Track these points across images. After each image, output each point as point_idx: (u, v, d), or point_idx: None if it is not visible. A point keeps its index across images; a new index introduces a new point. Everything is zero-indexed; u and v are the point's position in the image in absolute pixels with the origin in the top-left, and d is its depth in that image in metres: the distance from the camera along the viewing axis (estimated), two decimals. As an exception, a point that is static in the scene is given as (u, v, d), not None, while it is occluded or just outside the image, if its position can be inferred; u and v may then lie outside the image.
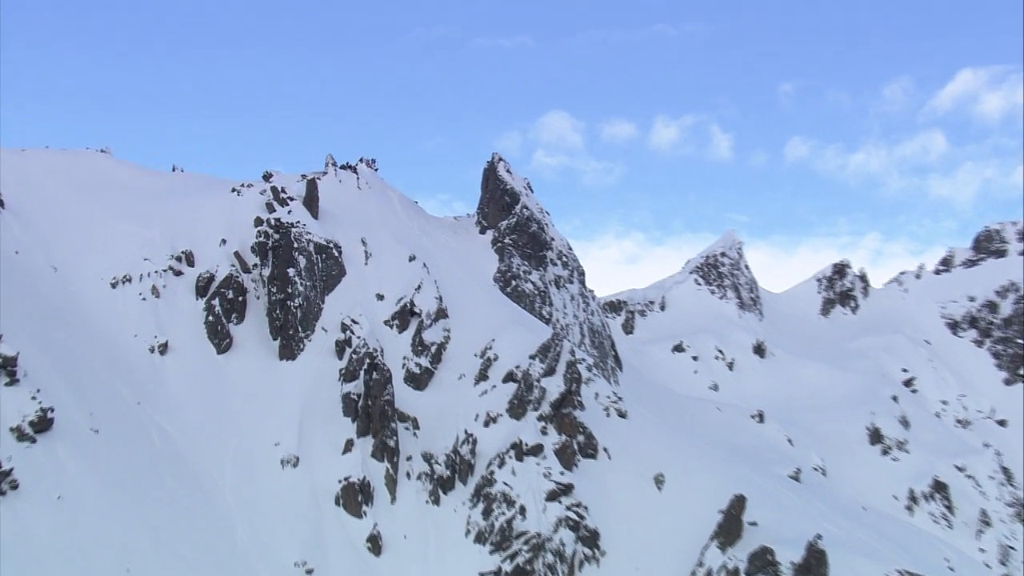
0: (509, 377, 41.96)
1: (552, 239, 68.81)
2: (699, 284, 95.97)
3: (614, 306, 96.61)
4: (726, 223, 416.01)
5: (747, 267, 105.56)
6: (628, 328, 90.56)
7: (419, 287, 47.35)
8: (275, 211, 48.14)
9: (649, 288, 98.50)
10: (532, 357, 41.79)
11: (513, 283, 59.56)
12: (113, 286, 41.18)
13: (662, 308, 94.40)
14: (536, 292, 60.07)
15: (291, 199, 49.81)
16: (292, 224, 46.33)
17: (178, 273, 44.36)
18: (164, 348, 39.04)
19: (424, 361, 44.89)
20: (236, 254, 45.32)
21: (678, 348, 78.88)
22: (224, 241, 46.14)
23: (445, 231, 63.09)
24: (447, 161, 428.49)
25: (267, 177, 55.36)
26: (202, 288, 43.16)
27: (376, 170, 70.93)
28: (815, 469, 55.95)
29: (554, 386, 39.67)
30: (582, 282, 70.64)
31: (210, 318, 43.07)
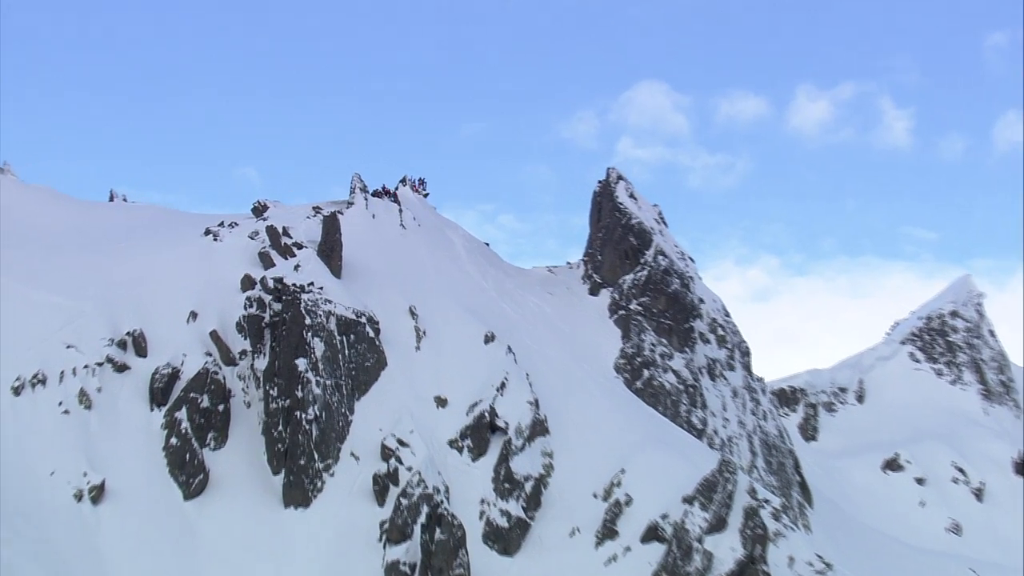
0: (651, 534, 40.21)
1: (701, 300, 68.48)
2: (917, 361, 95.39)
3: (785, 397, 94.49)
4: (902, 241, 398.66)
5: (992, 333, 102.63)
6: (809, 431, 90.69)
7: (503, 386, 46.44)
8: (274, 266, 47.93)
9: (838, 368, 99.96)
10: (688, 500, 40.02)
11: (646, 374, 59.86)
12: (16, 392, 39.39)
13: (859, 399, 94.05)
14: (682, 388, 60.66)
15: (299, 246, 50.21)
16: (302, 287, 45.65)
17: (121, 368, 42.33)
18: (99, 492, 36.99)
19: (515, 507, 42.66)
20: (214, 336, 44.69)
21: (892, 465, 78.29)
22: (194, 315, 45.34)
23: (536, 291, 64.55)
24: (490, 155, 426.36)
25: (260, 211, 57.01)
26: (160, 392, 41.79)
27: (426, 195, 73.20)
28: None
29: (726, 549, 37.68)
30: (747, 367, 70.12)
31: (173, 441, 40.42)
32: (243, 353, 44.77)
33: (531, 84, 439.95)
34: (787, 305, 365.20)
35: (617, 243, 69.88)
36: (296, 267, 47.87)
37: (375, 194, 66.00)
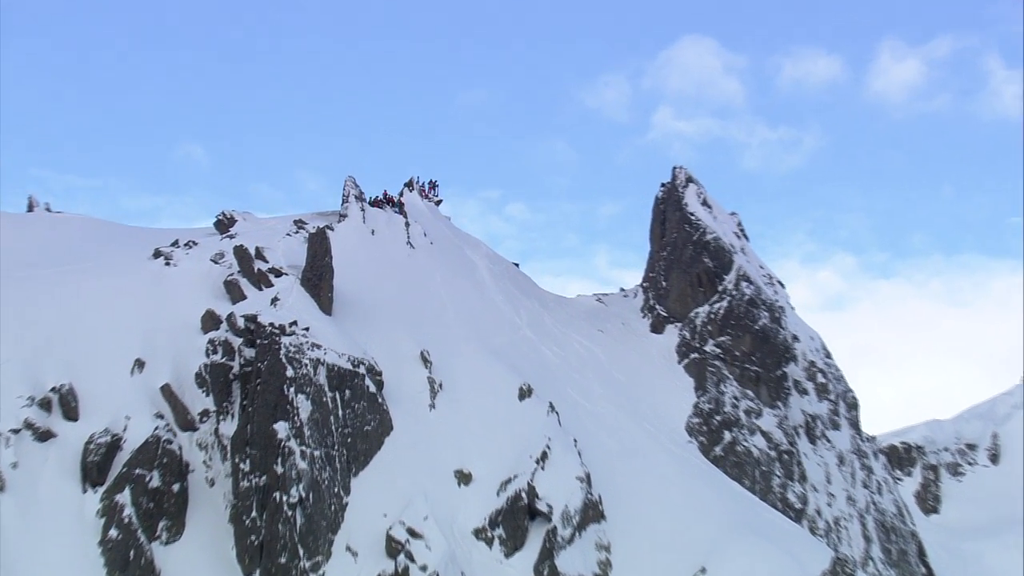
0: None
1: (795, 338, 68.76)
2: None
3: (897, 457, 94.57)
4: (1011, 235, 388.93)
5: None
6: (929, 501, 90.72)
7: (544, 456, 46.01)
8: (245, 298, 48.36)
9: (964, 419, 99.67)
10: (794, 612, 39.79)
11: (728, 437, 59.90)
12: (-92, 466, 38.44)
13: (993, 459, 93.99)
14: (774, 454, 60.70)
15: (277, 272, 50.94)
16: (282, 327, 45.27)
17: (44, 436, 41.23)
18: (14, 602, 35.61)
19: (562, 619, 42.66)
20: (166, 392, 44.20)
21: (1044, 551, 77.22)
22: (140, 365, 44.89)
23: (583, 327, 65.59)
24: (494, 129, 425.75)
25: (225, 225, 58.89)
26: (96, 468, 40.87)
27: (438, 202, 75.85)
28: None
29: None
30: (854, 423, 70.37)
31: (113, 532, 39.36)
32: (205, 415, 44.62)
33: (545, 40, 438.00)
34: (866, 315, 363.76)
35: (687, 265, 70.01)
36: (274, 300, 47.66)
37: (374, 203, 66.51)
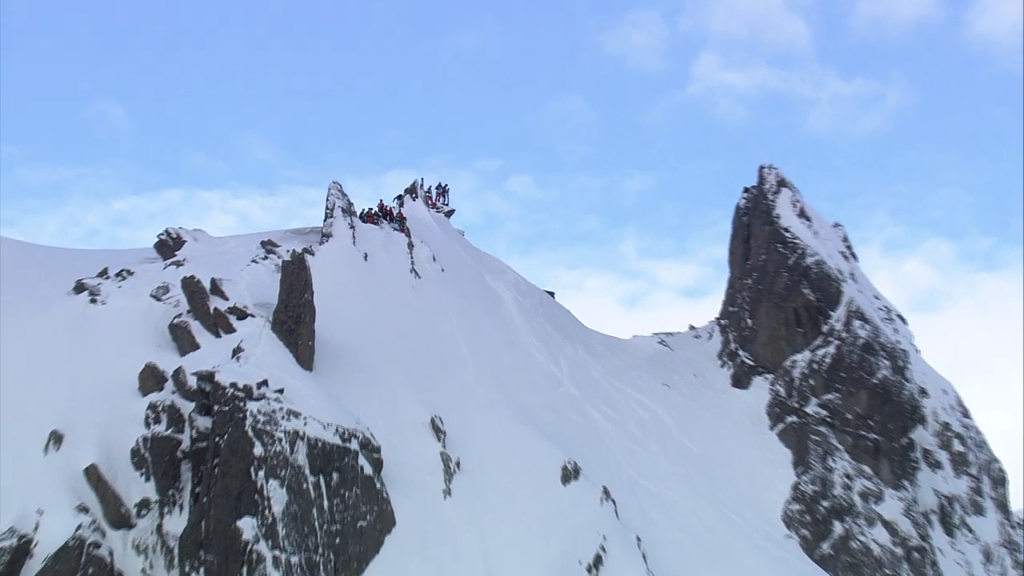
0: None
1: (923, 392, 68.69)
2: None
3: None
4: None
5: None
6: None
7: (598, 561, 45.41)
8: (198, 348, 48.64)
9: None
10: None
11: (839, 529, 59.74)
12: None
13: None
14: (900, 552, 60.37)
15: (241, 312, 50.86)
16: (247, 389, 44.71)
17: None
18: None
19: None
20: (92, 476, 43.38)
21: None
22: (58, 439, 44.39)
23: (642, 379, 66.57)
24: (492, 82, 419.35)
25: (169, 247, 58.87)
26: None
27: (450, 212, 77.43)
28: None
29: None
30: (1002, 505, 70.04)
31: None
32: (144, 506, 43.76)
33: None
34: (966, 317, 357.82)
35: (781, 297, 69.22)
36: (236, 352, 47.02)
37: (367, 217, 66.51)
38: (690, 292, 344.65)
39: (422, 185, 77.39)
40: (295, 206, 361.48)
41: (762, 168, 74.62)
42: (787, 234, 70.70)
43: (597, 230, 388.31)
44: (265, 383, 45.24)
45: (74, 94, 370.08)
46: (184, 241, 61.02)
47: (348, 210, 64.78)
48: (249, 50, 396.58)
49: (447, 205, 79.52)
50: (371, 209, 67.25)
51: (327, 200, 65.11)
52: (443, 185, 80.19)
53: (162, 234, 61.24)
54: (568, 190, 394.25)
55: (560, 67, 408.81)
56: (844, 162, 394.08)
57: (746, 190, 75.56)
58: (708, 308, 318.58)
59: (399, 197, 75.29)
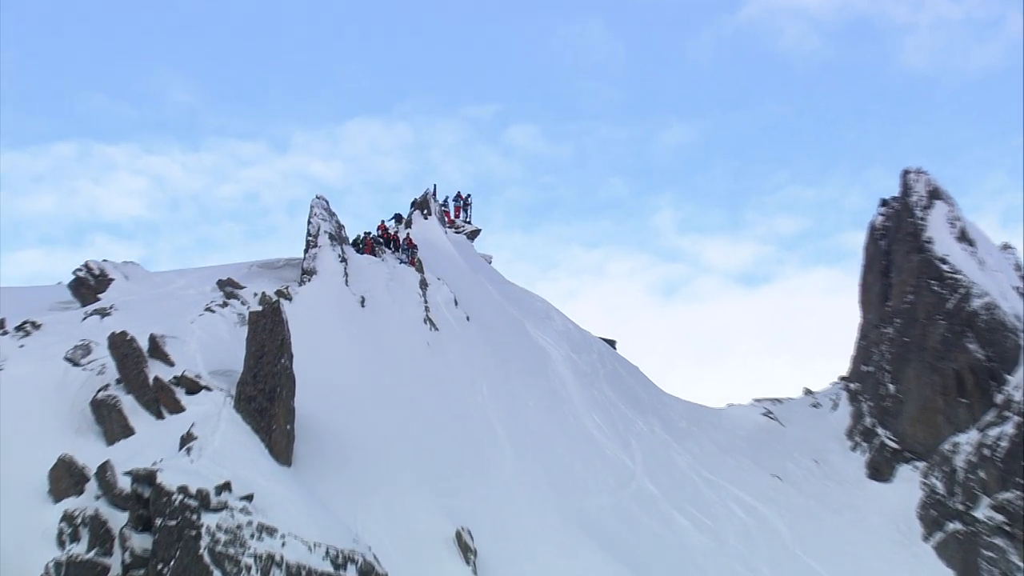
0: None
1: None
2: None
3: None
4: None
5: None
6: None
7: None
8: (132, 434, 48.29)
9: None
10: None
11: None
12: None
13: None
14: None
15: (192, 384, 50.71)
16: (204, 496, 42.90)
17: None
18: None
19: None
20: None
21: None
22: None
23: (743, 465, 67.27)
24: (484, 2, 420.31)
25: (89, 288, 59.71)
26: None
27: (475, 233, 79.15)
28: None
29: None
30: None
31: None
32: None
33: None
34: None
35: (937, 354, 67.90)
36: (186, 441, 45.49)
37: (363, 244, 66.10)
38: (746, 278, 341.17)
39: (435, 195, 76.40)
40: (228, 165, 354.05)
41: (907, 173, 73.95)
42: (944, 266, 69.45)
43: (624, 197, 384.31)
44: (227, 486, 42.83)
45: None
46: (111, 279, 60.88)
47: (337, 236, 64.30)
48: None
49: (470, 222, 78.11)
50: (369, 234, 67.04)
51: (309, 222, 64.79)
52: (464, 196, 79.03)
53: (80, 269, 61.12)
54: (586, 144, 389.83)
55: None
56: (948, 107, 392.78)
57: (884, 203, 75.02)
58: (770, 300, 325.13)
59: (397, 217, 75.51)
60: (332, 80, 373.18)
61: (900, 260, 72.24)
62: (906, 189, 73.99)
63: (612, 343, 76.28)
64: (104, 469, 44.94)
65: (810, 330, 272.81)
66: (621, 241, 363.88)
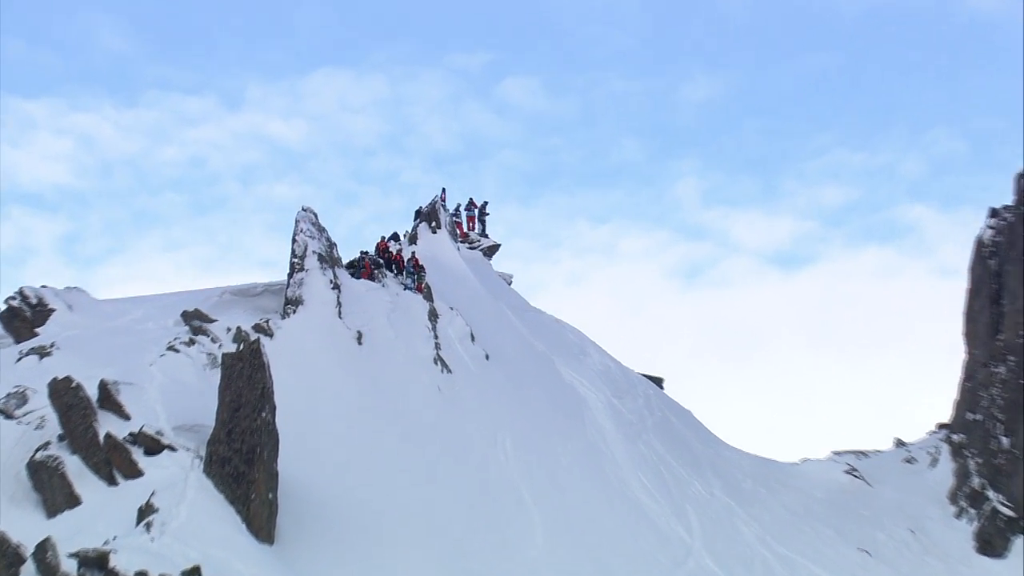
0: None
1: None
2: None
3: None
4: None
5: None
6: None
7: None
8: (78, 504, 47.80)
9: None
10: None
11: None
12: None
13: None
14: None
15: (152, 443, 50.78)
16: None
17: None
18: None
19: None
20: None
21: None
22: None
23: (825, 536, 67.45)
24: None
25: (25, 320, 60.93)
26: None
27: (492, 248, 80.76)
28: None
29: None
30: None
31: None
32: None
33: None
34: None
35: None
36: (145, 513, 44.77)
37: (360, 267, 66.44)
38: (784, 259, 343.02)
39: (443, 203, 75.27)
40: (169, 124, 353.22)
41: (1021, 177, 72.51)
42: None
43: (639, 163, 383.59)
44: (196, 571, 41.97)
45: None
46: (51, 309, 60.58)
47: (329, 256, 64.05)
48: None
49: (486, 235, 77.02)
50: (366, 255, 67.08)
51: (293, 240, 64.66)
52: (480, 207, 77.97)
53: (13, 298, 60.60)
54: (594, 100, 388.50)
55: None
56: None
57: (994, 213, 74.25)
58: (811, 285, 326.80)
59: (395, 236, 75.47)
60: (293, 24, 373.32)
61: (1015, 284, 71.35)
62: (1021, 196, 72.92)
63: (659, 381, 76.26)
64: (43, 549, 43.12)
65: (859, 321, 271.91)
66: (635, 215, 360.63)
